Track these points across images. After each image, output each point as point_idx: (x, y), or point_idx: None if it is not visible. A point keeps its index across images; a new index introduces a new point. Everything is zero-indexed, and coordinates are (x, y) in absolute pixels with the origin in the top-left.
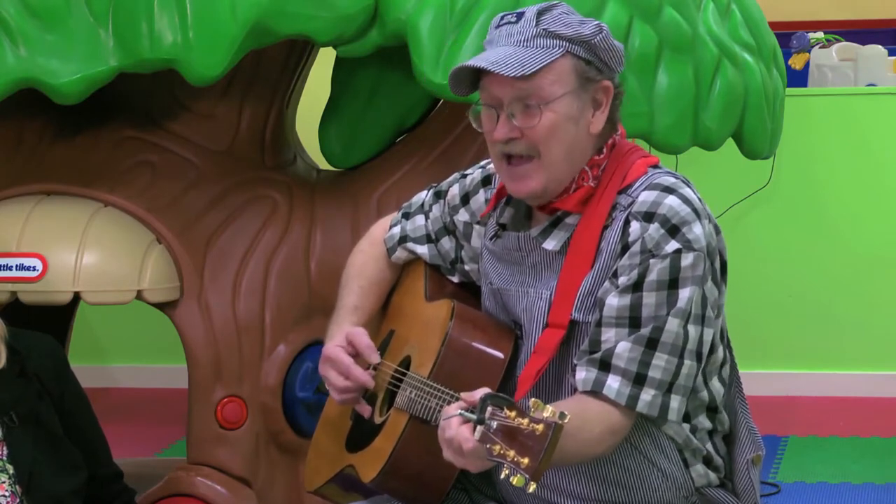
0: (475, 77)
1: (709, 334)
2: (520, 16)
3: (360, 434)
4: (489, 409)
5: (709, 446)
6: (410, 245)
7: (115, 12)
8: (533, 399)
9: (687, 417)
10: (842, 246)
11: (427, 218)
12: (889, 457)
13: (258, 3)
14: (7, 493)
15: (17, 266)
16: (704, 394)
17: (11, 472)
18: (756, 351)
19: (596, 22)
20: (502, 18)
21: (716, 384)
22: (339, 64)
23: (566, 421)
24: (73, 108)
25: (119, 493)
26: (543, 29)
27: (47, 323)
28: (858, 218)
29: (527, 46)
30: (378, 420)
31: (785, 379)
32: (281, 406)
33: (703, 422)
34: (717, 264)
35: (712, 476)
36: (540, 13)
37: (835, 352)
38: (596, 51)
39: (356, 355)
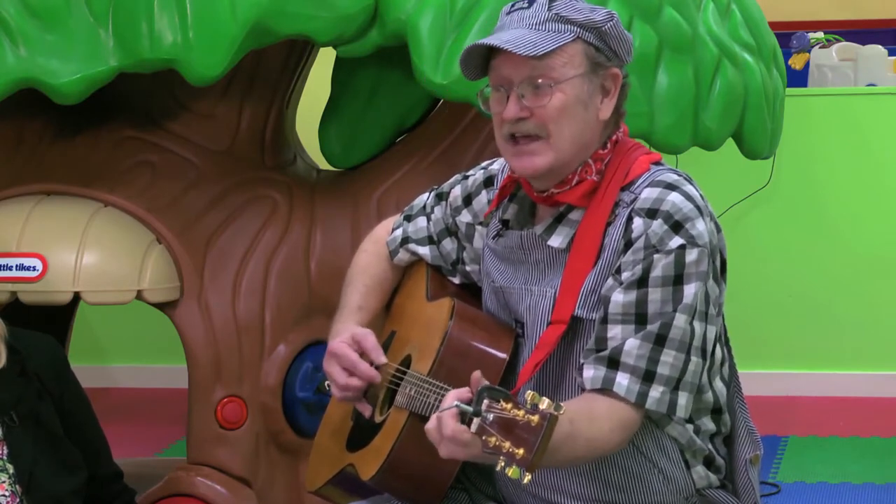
0: (484, 62)
1: (712, 332)
2: (531, 2)
3: (361, 433)
4: (485, 401)
5: (710, 447)
6: (412, 246)
7: (115, 12)
8: (529, 391)
9: (690, 419)
10: (842, 246)
11: (429, 220)
12: (889, 457)
13: (258, 3)
14: (7, 493)
15: (17, 266)
16: (709, 395)
17: (11, 471)
18: (756, 351)
19: (607, 10)
20: (513, 6)
21: (719, 384)
22: (339, 64)
23: (562, 412)
24: (73, 108)
25: (119, 493)
26: (555, 14)
27: (47, 323)
28: (858, 218)
29: (538, 30)
30: (378, 419)
31: (785, 379)
32: (281, 406)
33: (707, 423)
34: (718, 262)
35: (713, 477)
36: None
37: (835, 352)
38: (606, 38)
39: (361, 355)
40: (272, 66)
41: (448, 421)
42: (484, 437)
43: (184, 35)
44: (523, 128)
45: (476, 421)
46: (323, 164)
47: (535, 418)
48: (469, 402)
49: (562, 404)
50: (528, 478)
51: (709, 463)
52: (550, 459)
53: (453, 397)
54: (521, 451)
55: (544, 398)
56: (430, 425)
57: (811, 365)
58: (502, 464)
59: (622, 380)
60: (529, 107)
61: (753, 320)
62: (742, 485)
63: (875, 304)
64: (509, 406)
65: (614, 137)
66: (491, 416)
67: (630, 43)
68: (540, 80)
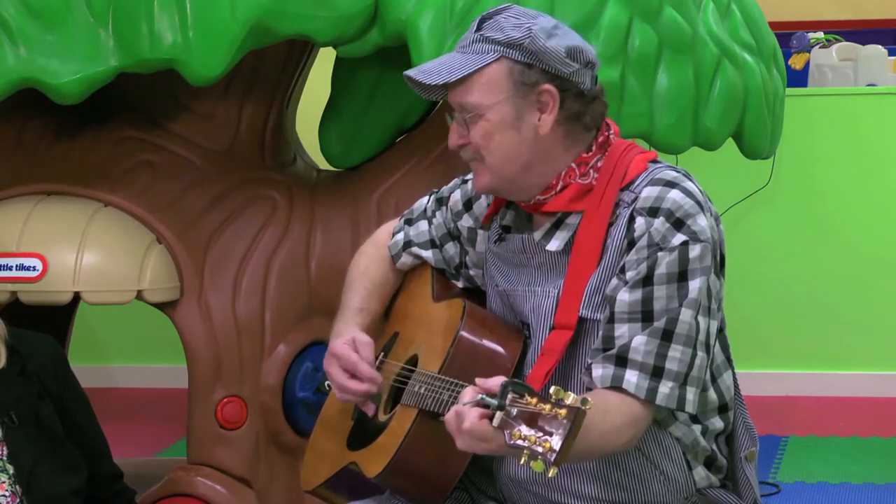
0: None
1: (714, 326)
2: (477, 23)
3: (363, 432)
4: (510, 395)
5: (714, 447)
6: (415, 250)
7: (115, 12)
8: (554, 386)
9: (697, 419)
10: (842, 246)
11: (430, 223)
12: (889, 457)
13: (258, 3)
14: (7, 493)
15: (17, 266)
16: (711, 393)
17: (11, 472)
18: (756, 351)
19: (529, 24)
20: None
21: (726, 380)
22: (339, 64)
23: (588, 407)
24: (73, 108)
25: (119, 493)
26: (480, 34)
27: (47, 323)
28: (858, 218)
29: (465, 52)
30: (382, 418)
31: (785, 379)
32: (281, 406)
33: (716, 423)
34: (719, 257)
35: (713, 478)
36: (484, 19)
37: (835, 352)
38: (531, 54)
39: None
40: (272, 66)
41: (469, 414)
42: (508, 431)
43: (184, 35)
44: (465, 154)
45: (499, 415)
46: (323, 164)
47: (563, 412)
48: (491, 396)
49: (588, 398)
50: (553, 471)
51: (710, 462)
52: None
53: (473, 391)
54: (547, 445)
55: (569, 393)
56: (450, 416)
57: (811, 365)
58: (526, 457)
59: (631, 377)
60: (465, 134)
61: (753, 320)
62: (741, 483)
63: (875, 304)
64: (535, 401)
65: (601, 139)
66: (515, 411)
67: (562, 52)
68: (464, 112)
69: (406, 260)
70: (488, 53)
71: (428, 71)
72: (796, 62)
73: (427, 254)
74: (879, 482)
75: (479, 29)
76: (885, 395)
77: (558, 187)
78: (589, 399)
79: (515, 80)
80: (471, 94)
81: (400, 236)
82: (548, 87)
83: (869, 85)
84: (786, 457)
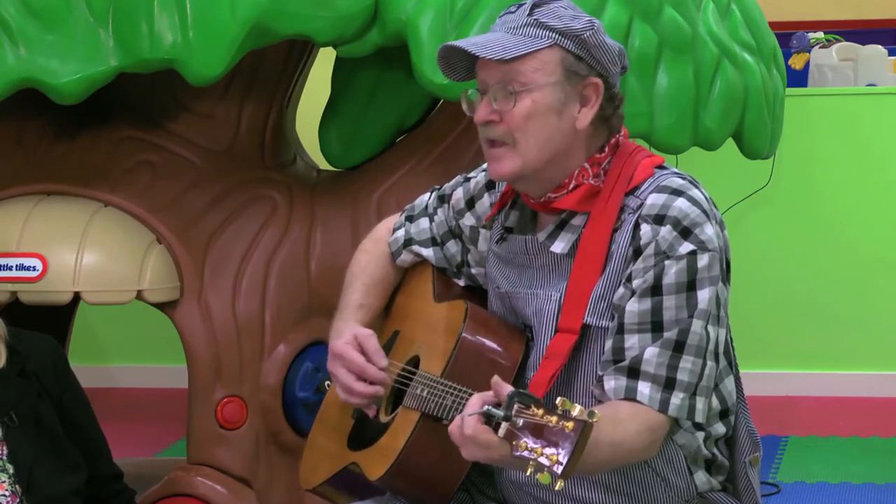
0: (470, 64)
1: (723, 335)
2: (519, 7)
3: (364, 432)
4: (515, 406)
5: (714, 451)
6: (416, 248)
7: (115, 12)
8: (560, 398)
9: (700, 426)
10: (842, 246)
11: (431, 221)
12: (889, 457)
13: (258, 3)
14: (7, 493)
15: (17, 266)
16: (714, 398)
17: (11, 471)
18: (756, 351)
19: (589, 17)
20: (506, 10)
21: (727, 386)
22: (339, 64)
23: (595, 420)
24: (73, 108)
25: (119, 493)
26: (535, 19)
27: (47, 323)
28: (858, 218)
29: (515, 34)
30: (384, 419)
31: (785, 379)
32: (281, 406)
33: (719, 428)
34: (725, 264)
35: (714, 482)
36: (536, 5)
37: (835, 352)
38: (587, 47)
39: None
40: (272, 66)
41: (474, 423)
42: (514, 442)
43: (184, 35)
44: (492, 132)
45: (504, 425)
46: (323, 164)
47: (570, 424)
48: (497, 406)
49: (595, 411)
50: (560, 484)
51: (710, 466)
52: (580, 466)
53: (479, 400)
54: (553, 458)
55: (576, 405)
56: (454, 426)
57: (811, 365)
58: (532, 469)
59: (644, 388)
60: (499, 111)
61: (753, 320)
62: (743, 486)
63: (875, 304)
64: (541, 412)
65: (613, 141)
66: (521, 421)
67: (615, 51)
68: (509, 85)
69: (406, 258)
70: (542, 39)
71: (481, 45)
72: (796, 62)
73: (428, 252)
74: (879, 482)
75: (531, 13)
76: (885, 395)
77: (571, 186)
78: (596, 412)
79: (567, 68)
80: (522, 72)
81: (400, 233)
82: (596, 80)
83: (869, 85)
84: (786, 457)
